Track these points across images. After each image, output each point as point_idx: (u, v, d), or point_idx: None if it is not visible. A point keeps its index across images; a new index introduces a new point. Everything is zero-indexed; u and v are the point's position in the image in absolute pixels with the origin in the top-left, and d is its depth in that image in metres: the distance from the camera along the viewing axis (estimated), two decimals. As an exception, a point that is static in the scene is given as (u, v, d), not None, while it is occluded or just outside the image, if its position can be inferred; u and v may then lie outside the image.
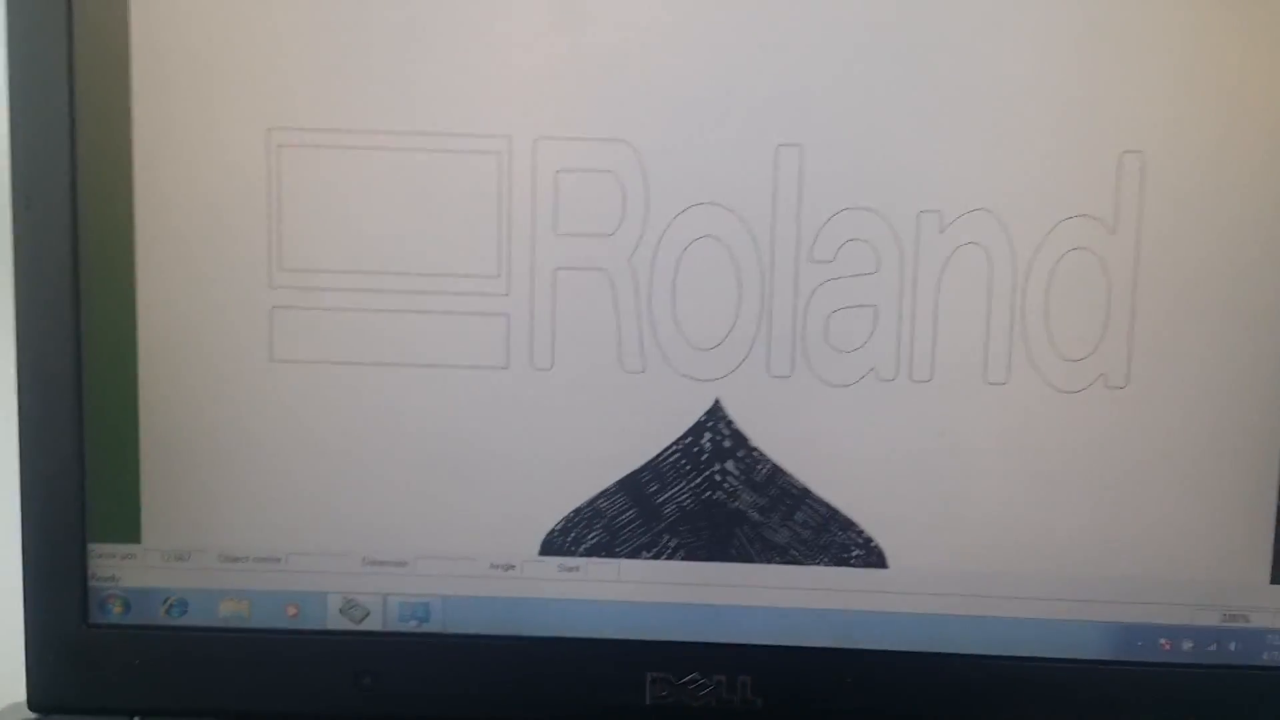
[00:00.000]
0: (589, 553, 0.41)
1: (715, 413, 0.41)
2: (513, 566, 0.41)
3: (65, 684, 0.41)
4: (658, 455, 0.41)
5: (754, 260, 0.40)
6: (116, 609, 0.42)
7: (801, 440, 0.40)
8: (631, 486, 0.41)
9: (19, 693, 0.42)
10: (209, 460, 0.41)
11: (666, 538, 0.41)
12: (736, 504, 0.41)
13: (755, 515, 0.41)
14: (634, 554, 0.41)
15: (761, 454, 0.41)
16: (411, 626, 0.42)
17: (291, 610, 0.42)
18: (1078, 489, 0.39)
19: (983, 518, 0.40)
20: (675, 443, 0.41)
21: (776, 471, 0.41)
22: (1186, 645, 0.41)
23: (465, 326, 0.40)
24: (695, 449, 0.41)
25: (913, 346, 0.40)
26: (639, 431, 0.41)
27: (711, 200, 0.39)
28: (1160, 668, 0.40)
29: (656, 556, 0.41)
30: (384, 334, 0.40)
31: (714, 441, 0.41)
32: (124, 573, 0.42)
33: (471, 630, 0.42)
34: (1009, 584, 0.40)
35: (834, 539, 0.40)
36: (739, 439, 0.41)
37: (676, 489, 0.41)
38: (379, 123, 0.39)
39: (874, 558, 0.40)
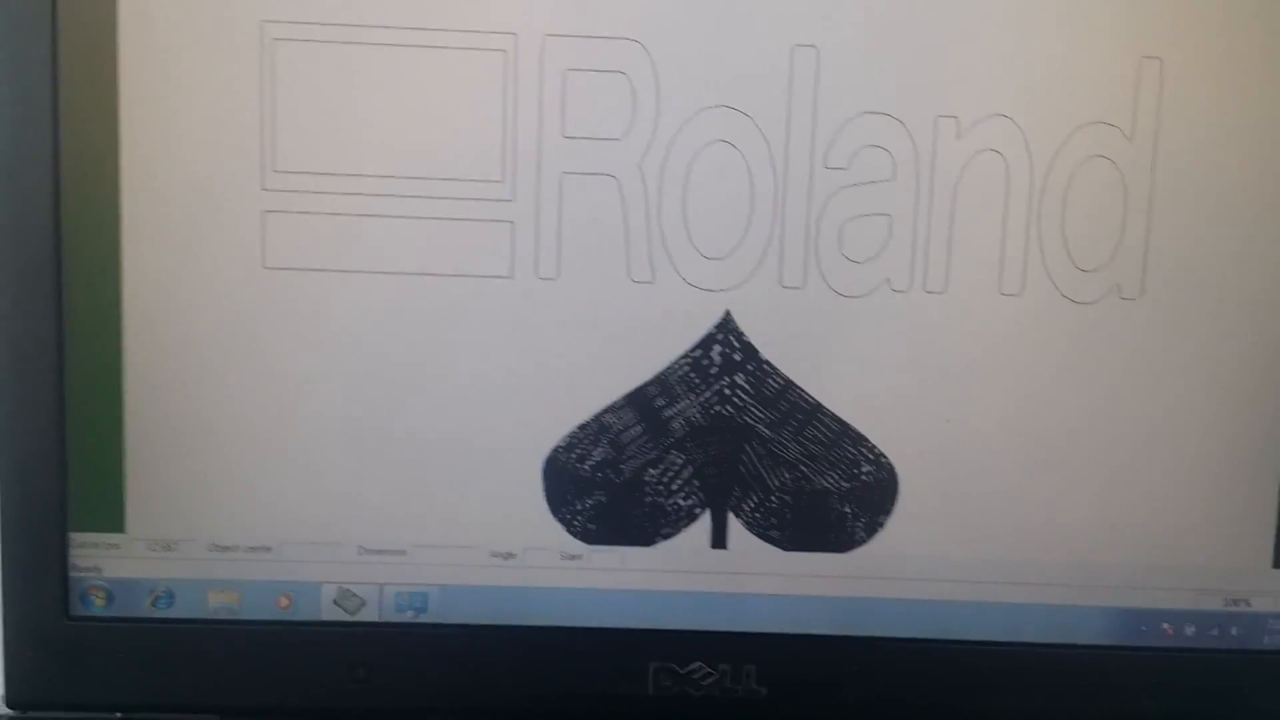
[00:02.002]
0: (595, 469, 0.40)
1: (725, 325, 0.40)
2: (513, 555, 0.40)
3: (45, 680, 0.40)
4: (666, 368, 0.40)
5: (767, 166, 0.38)
6: (99, 601, 0.40)
7: (813, 353, 0.39)
8: (639, 401, 0.40)
9: None
10: (197, 444, 0.39)
11: (674, 454, 0.40)
12: (746, 419, 0.40)
13: (765, 431, 0.40)
14: (641, 470, 0.40)
15: (772, 367, 0.40)
16: (408, 617, 0.41)
17: (284, 601, 0.40)
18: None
19: (993, 436, 0.39)
20: (684, 355, 0.40)
21: (788, 386, 0.40)
22: (1189, 630, 0.41)
23: (467, 234, 0.39)
24: (704, 362, 0.40)
25: (927, 256, 0.39)
26: (647, 344, 0.40)
27: (724, 103, 0.38)
28: (1163, 652, 0.40)
29: (664, 474, 0.40)
30: (382, 241, 0.39)
31: (724, 354, 0.40)
32: (107, 563, 0.40)
33: (471, 620, 0.41)
34: (1012, 570, 0.40)
35: (845, 454, 0.40)
36: (749, 352, 0.40)
37: (685, 403, 0.40)
38: (379, 17, 0.37)
39: (884, 474, 0.40)
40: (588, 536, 0.40)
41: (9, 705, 0.40)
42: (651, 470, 0.40)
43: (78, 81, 0.37)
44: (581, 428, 0.40)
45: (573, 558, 0.40)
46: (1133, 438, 0.39)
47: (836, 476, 0.40)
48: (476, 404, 0.40)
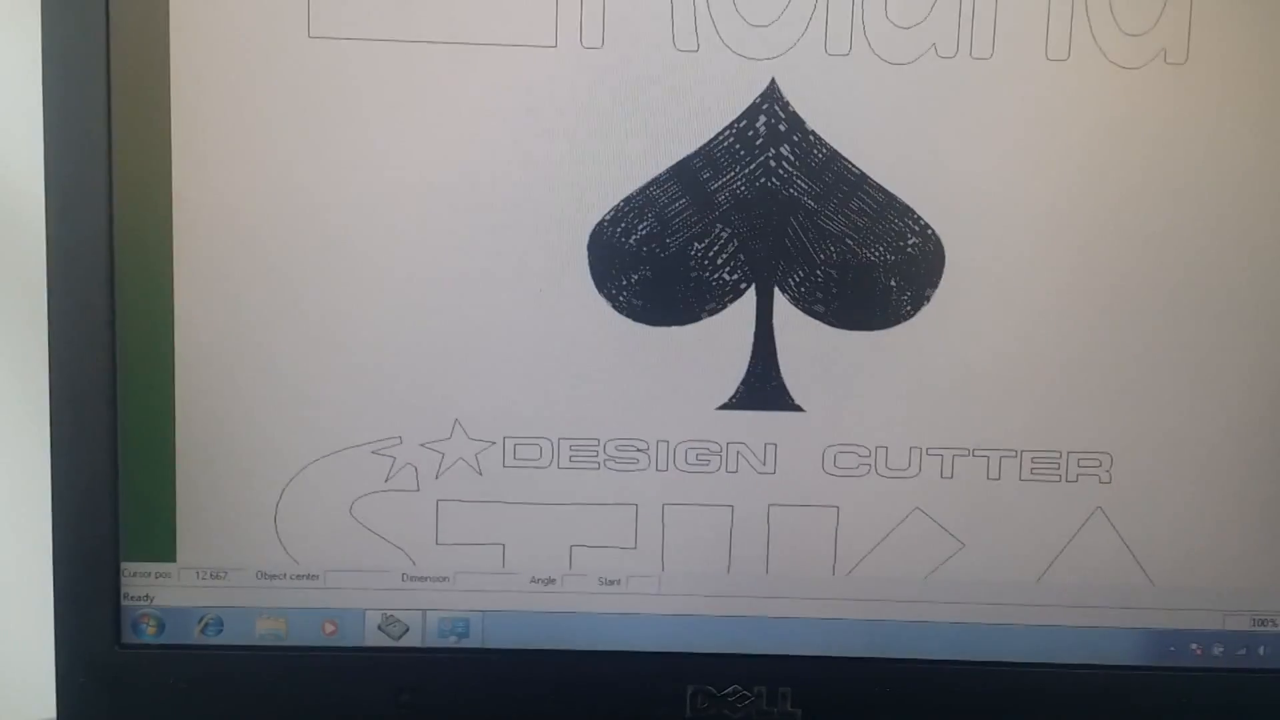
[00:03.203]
0: (640, 243, 0.40)
1: (771, 94, 0.39)
2: (553, 580, 0.41)
3: (97, 706, 0.40)
4: (711, 140, 0.39)
5: (821, -74, 0.38)
6: (150, 629, 0.41)
7: (859, 123, 0.39)
8: (684, 173, 0.39)
9: (51, 711, 0.40)
10: (245, 476, 0.40)
11: (719, 227, 0.40)
12: (791, 191, 0.39)
13: (810, 203, 0.40)
14: (686, 245, 0.40)
15: (818, 137, 0.39)
16: (451, 642, 0.41)
17: (329, 627, 0.41)
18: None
19: (1044, 206, 0.39)
20: (729, 126, 0.39)
21: (833, 156, 0.39)
22: (1217, 650, 0.41)
23: (511, 1, 0.38)
24: (750, 133, 0.39)
25: (974, 20, 0.39)
26: (692, 114, 0.39)
27: None
28: (1192, 672, 0.41)
29: (709, 248, 0.40)
30: (423, 10, 0.38)
31: (769, 125, 0.39)
32: (158, 592, 0.40)
33: (511, 645, 0.41)
34: (1041, 592, 0.41)
35: (890, 227, 0.40)
36: (795, 122, 0.39)
37: (730, 175, 0.39)
38: None
39: (931, 246, 0.39)
40: (633, 313, 0.40)
41: None
42: (697, 244, 0.40)
43: (131, 125, 0.38)
44: (626, 201, 0.39)
45: (610, 583, 0.41)
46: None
47: (882, 249, 0.40)
48: (520, 178, 0.39)
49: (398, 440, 0.40)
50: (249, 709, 0.41)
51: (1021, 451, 0.40)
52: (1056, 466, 0.40)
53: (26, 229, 0.40)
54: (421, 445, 0.40)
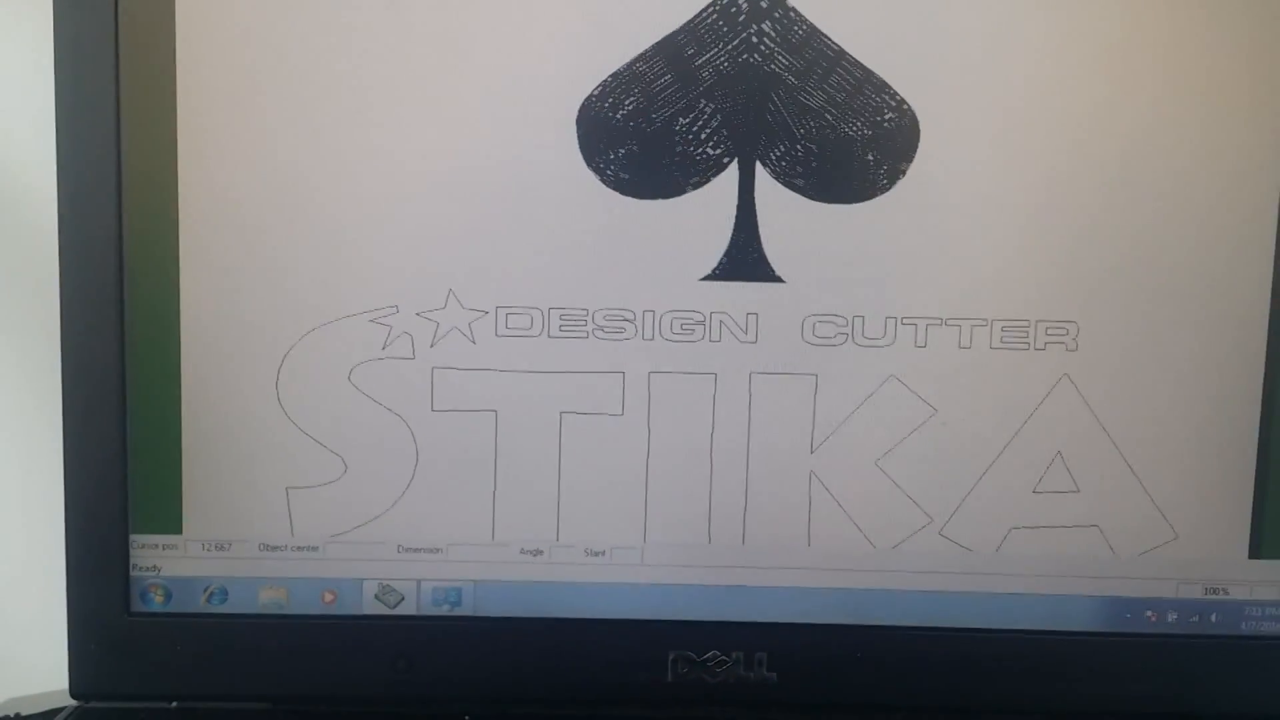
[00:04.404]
0: (627, 118, 0.41)
1: (752, -31, 0.40)
2: (541, 552, 0.42)
3: (107, 672, 0.42)
4: (694, 17, 0.40)
5: None
6: (158, 598, 0.43)
7: None
8: (668, 49, 0.40)
9: (61, 681, 0.42)
10: (249, 452, 0.42)
11: (703, 103, 0.41)
12: (772, 67, 0.41)
13: (791, 79, 0.41)
14: (671, 120, 0.41)
15: (798, 14, 0.40)
16: (444, 610, 0.43)
17: (328, 597, 0.43)
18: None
19: (1018, 81, 0.41)
20: (712, 3, 0.40)
21: (813, 32, 0.41)
22: (1171, 617, 0.43)
23: None
24: (732, 9, 0.40)
25: (950, -103, 0.40)
26: (676, -10, 0.40)
27: None
28: (1147, 638, 0.43)
29: (693, 123, 0.41)
30: None
31: (751, 1, 0.41)
32: (165, 563, 0.43)
33: (502, 613, 0.43)
34: (1005, 562, 0.43)
35: (868, 102, 0.41)
36: (776, -2, 0.41)
37: (713, 52, 0.41)
38: None
39: (907, 121, 0.41)
40: (620, 186, 0.41)
41: (74, 696, 0.43)
42: (681, 119, 0.41)
43: (137, 108, 0.40)
44: (614, 76, 0.40)
45: (596, 554, 0.43)
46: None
47: (860, 124, 0.41)
48: (510, 55, 0.40)
49: (394, 310, 0.41)
50: (253, 674, 0.43)
51: (992, 320, 0.42)
52: (1025, 335, 0.42)
53: (38, 217, 0.42)
54: (417, 314, 0.41)
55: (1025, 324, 0.42)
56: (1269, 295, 0.41)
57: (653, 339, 0.42)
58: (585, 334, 0.42)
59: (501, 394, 0.42)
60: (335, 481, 0.42)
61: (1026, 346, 0.42)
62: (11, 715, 0.44)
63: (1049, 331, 0.42)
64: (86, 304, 0.40)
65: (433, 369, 0.42)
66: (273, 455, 0.42)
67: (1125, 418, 0.42)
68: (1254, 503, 0.43)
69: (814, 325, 0.42)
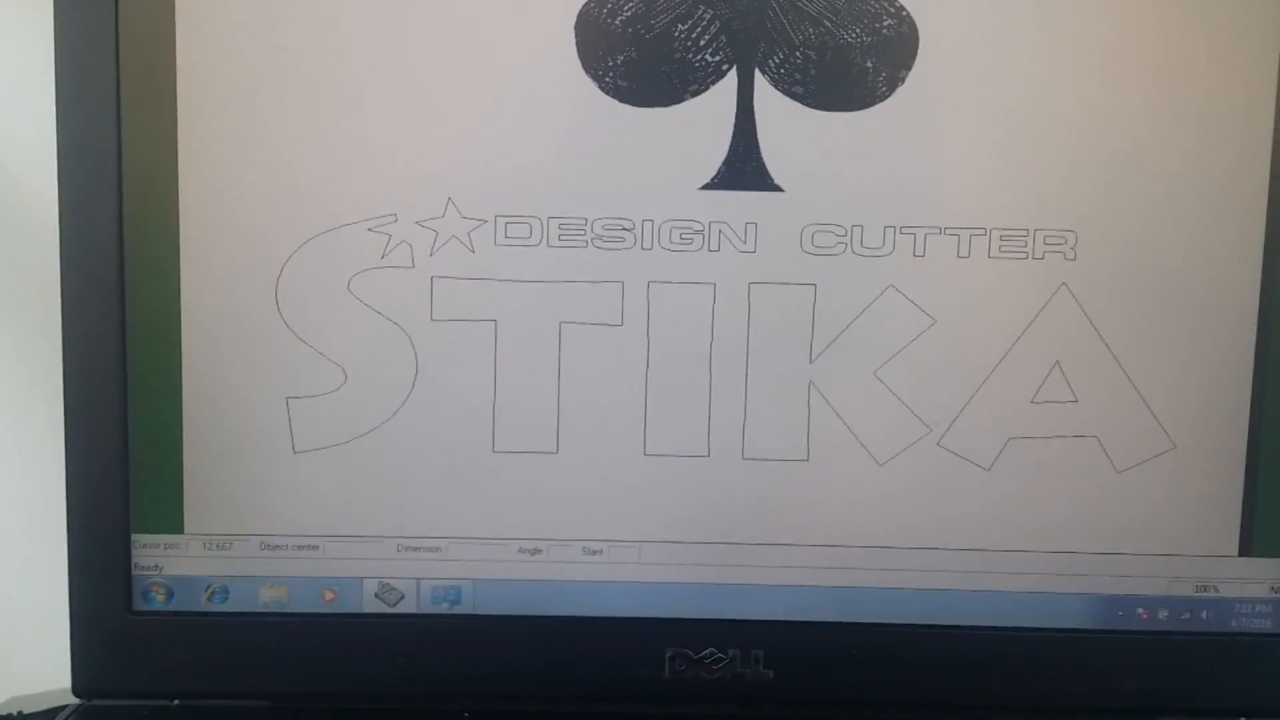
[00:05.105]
0: (625, 24, 0.41)
1: (751, -127, 0.40)
2: (540, 550, 0.43)
3: (109, 670, 0.43)
4: (693, -82, 0.40)
5: None
6: (159, 596, 0.43)
7: (837, -96, 0.40)
8: (668, -47, 0.41)
9: (64, 679, 0.43)
10: (249, 451, 0.42)
11: (702, 9, 0.41)
12: (771, -27, 0.41)
13: (789, -15, 0.41)
14: (670, 26, 0.41)
15: (797, -83, 0.40)
16: (444, 609, 0.43)
17: (329, 595, 0.43)
18: None
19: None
20: (711, -95, 0.40)
21: (812, -63, 0.41)
22: (1162, 614, 0.43)
23: None
24: (732, -87, 0.40)
25: None
26: (675, -110, 0.40)
27: None
28: (1138, 635, 0.43)
29: (692, 30, 0.41)
30: None
31: (750, -94, 0.40)
32: (167, 561, 0.43)
33: (501, 611, 0.43)
34: (997, 560, 0.43)
35: (867, 8, 0.41)
36: (775, -98, 0.40)
37: (712, -44, 0.41)
38: None
39: (905, 28, 0.41)
40: (619, 94, 0.41)
41: (76, 694, 0.43)
42: (680, 26, 0.41)
43: (137, 108, 0.40)
44: (613, -19, 0.41)
45: (594, 553, 0.43)
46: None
47: (859, 30, 0.41)
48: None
49: (393, 218, 0.41)
50: (253, 672, 0.43)
51: (990, 229, 0.42)
52: (1024, 244, 0.42)
53: (39, 216, 0.42)
54: (416, 223, 0.41)
55: (1024, 233, 0.42)
56: (1265, 206, 0.41)
57: (651, 248, 0.42)
58: (584, 243, 0.42)
59: (501, 304, 0.42)
60: (335, 391, 0.42)
61: (1025, 256, 0.42)
62: (14, 714, 0.44)
63: (1047, 240, 0.42)
64: (87, 303, 0.41)
65: (432, 278, 0.42)
66: (272, 365, 0.42)
67: (1123, 327, 0.42)
68: (1244, 501, 0.43)
69: (813, 235, 0.42)
